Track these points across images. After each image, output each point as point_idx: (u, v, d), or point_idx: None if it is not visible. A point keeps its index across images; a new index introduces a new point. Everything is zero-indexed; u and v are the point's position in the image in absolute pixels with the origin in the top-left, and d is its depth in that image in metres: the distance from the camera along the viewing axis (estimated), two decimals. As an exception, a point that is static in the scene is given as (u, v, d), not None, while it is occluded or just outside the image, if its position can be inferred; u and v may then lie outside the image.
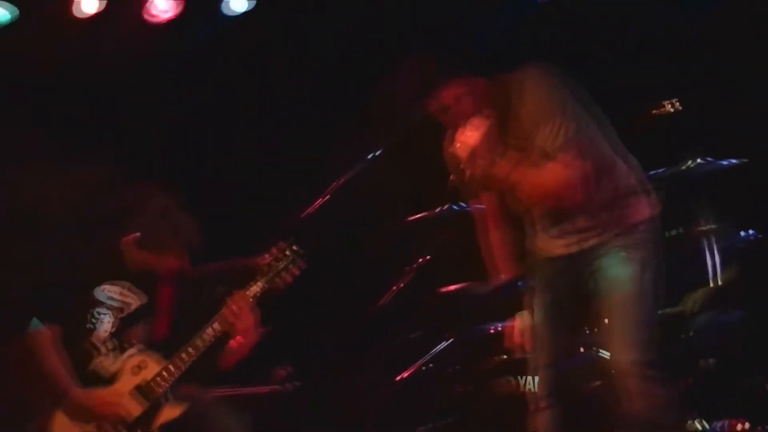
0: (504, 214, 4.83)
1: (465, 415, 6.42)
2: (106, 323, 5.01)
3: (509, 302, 6.68)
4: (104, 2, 7.13)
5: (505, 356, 6.24)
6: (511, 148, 4.51)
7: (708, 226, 6.10)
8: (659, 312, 4.76)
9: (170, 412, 4.94)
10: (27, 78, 7.21)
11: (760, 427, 5.79)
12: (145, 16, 7.29)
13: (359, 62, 7.57)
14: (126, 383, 4.93)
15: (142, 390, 4.93)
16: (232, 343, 5.07)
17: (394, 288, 6.67)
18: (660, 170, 5.95)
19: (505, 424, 6.00)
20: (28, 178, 7.08)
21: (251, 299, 5.03)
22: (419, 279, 6.66)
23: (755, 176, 6.38)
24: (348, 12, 7.45)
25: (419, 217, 6.72)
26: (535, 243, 4.73)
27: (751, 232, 6.20)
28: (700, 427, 5.72)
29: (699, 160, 6.06)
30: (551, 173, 4.42)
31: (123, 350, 4.99)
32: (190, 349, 4.94)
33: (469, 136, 4.49)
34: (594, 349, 5.67)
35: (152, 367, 4.95)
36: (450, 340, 6.56)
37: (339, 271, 7.11)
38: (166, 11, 7.27)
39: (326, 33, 7.54)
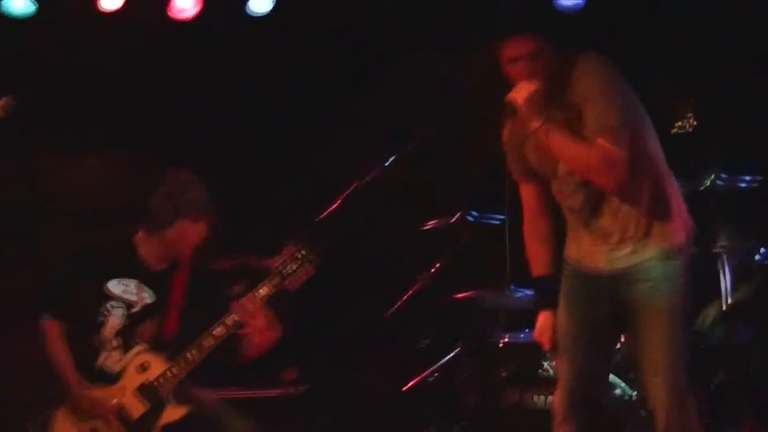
0: (545, 211, 4.80)
1: (472, 426, 6.41)
2: (117, 317, 5.01)
3: (521, 314, 6.72)
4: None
5: (512, 368, 6.23)
6: (557, 122, 4.50)
7: (723, 244, 6.06)
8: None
9: (173, 413, 4.94)
10: (47, 69, 7.23)
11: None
12: (169, 13, 7.30)
13: (381, 65, 7.57)
14: (130, 382, 4.93)
15: (146, 389, 4.92)
16: (244, 341, 5.06)
17: (406, 294, 6.66)
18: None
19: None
20: (45, 168, 7.11)
21: (261, 300, 5.00)
22: (432, 286, 6.64)
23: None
24: (367, 15, 7.45)
25: (433, 224, 6.72)
26: (575, 251, 4.71)
27: (765, 250, 6.15)
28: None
29: (715, 178, 6.02)
30: (589, 148, 4.39)
31: (129, 348, 4.99)
32: (195, 350, 4.93)
33: (524, 88, 4.47)
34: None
35: (157, 367, 4.94)
36: (459, 349, 6.55)
37: (351, 275, 7.08)
38: (188, 8, 7.27)
39: (346, 35, 7.53)
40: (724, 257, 6.04)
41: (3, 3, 7.00)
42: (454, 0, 7.27)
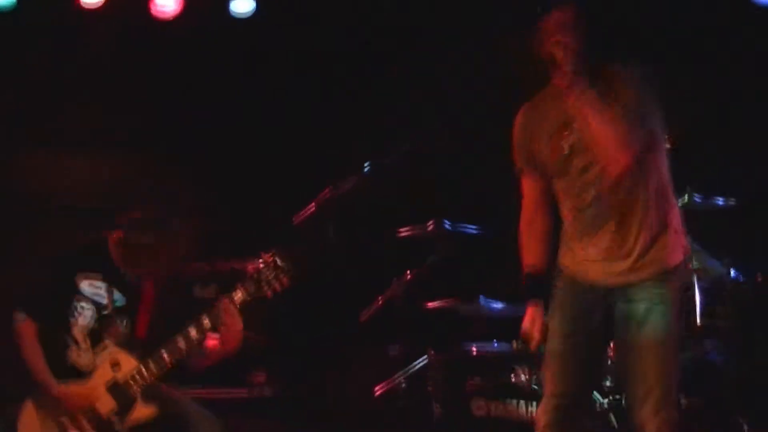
0: (545, 207, 4.81)
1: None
2: (87, 318, 5.00)
3: (494, 324, 6.76)
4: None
5: (482, 378, 6.26)
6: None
7: (695, 264, 6.09)
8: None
9: (143, 412, 4.93)
10: (26, 65, 7.22)
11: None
12: (151, 11, 7.30)
13: (362, 68, 7.60)
14: (101, 380, 4.93)
15: (116, 388, 4.92)
16: (211, 344, 5.06)
17: (379, 301, 6.68)
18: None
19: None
20: (21, 167, 7.10)
21: (236, 305, 5.00)
22: (404, 294, 6.66)
23: (746, 216, 6.39)
24: (349, 15, 7.47)
25: (408, 232, 6.73)
26: (570, 260, 4.72)
27: (737, 272, 6.20)
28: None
29: (690, 199, 6.07)
30: (616, 121, 4.42)
31: (100, 346, 4.98)
32: (169, 350, 4.93)
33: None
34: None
35: (128, 365, 4.94)
36: (428, 357, 6.57)
37: (324, 280, 7.10)
38: (169, 6, 7.27)
39: (329, 37, 7.55)
40: (695, 277, 6.07)
41: (-18, -3, 7.00)
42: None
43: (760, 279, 6.26)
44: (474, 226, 6.77)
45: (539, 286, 4.80)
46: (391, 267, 6.76)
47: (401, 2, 7.40)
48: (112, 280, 5.08)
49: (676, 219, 4.63)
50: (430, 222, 6.68)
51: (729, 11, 6.95)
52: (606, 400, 5.83)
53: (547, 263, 4.81)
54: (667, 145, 4.95)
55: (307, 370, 7.18)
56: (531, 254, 4.81)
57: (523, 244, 4.84)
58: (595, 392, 5.86)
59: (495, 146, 7.43)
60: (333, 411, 6.79)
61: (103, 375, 4.94)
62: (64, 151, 7.37)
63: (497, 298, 6.67)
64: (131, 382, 4.92)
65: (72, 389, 4.91)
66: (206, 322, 4.95)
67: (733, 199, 6.26)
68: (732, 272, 6.19)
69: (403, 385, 6.62)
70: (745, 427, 5.97)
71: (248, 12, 7.44)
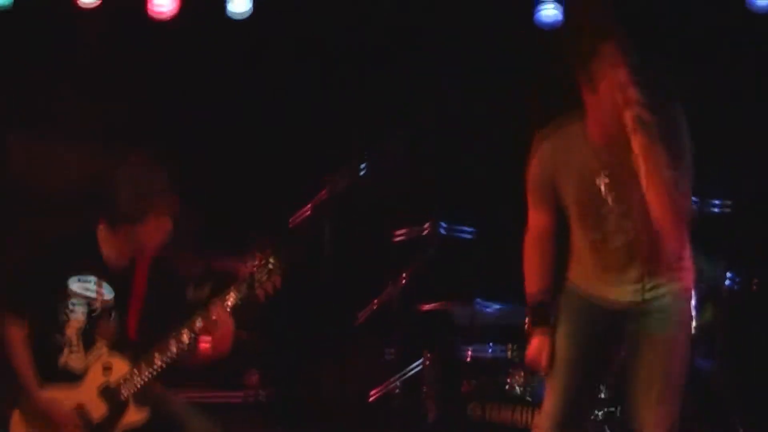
0: (551, 236, 4.79)
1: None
2: (79, 315, 4.96)
3: (487, 327, 6.75)
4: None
5: (477, 382, 6.25)
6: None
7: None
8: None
9: (135, 415, 4.89)
10: (23, 64, 7.22)
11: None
12: (148, 11, 7.30)
13: (361, 71, 7.60)
14: (93, 382, 4.88)
15: (108, 391, 4.87)
16: (203, 347, 5.03)
17: (374, 304, 6.68)
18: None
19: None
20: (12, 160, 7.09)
21: (228, 308, 4.98)
22: (400, 296, 6.66)
23: (740, 220, 6.38)
24: (346, 17, 7.47)
25: (403, 235, 6.73)
26: (582, 277, 4.72)
27: (732, 276, 6.18)
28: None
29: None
30: (673, 198, 4.39)
31: (91, 347, 4.93)
32: (161, 353, 4.90)
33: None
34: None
35: (120, 368, 4.90)
36: (423, 361, 6.57)
37: (320, 282, 7.09)
38: (166, 6, 7.27)
39: (325, 38, 7.55)
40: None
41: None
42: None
43: (755, 286, 6.26)
44: (470, 229, 6.77)
45: (545, 314, 4.78)
46: (387, 269, 6.75)
47: (399, 3, 7.40)
48: (101, 274, 5.02)
49: (688, 242, 4.65)
50: (426, 224, 6.67)
51: (725, 13, 6.95)
52: (601, 413, 5.82)
53: (552, 290, 4.80)
54: None
55: (302, 372, 7.17)
56: (536, 282, 4.78)
57: (528, 272, 4.81)
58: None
59: (492, 149, 7.49)
60: (328, 413, 6.78)
61: (94, 378, 4.90)
62: (60, 149, 7.35)
63: (493, 301, 6.66)
64: (123, 385, 4.89)
65: (61, 393, 4.87)
66: (198, 325, 4.92)
67: (728, 203, 6.25)
68: (728, 277, 6.17)
69: (399, 387, 6.62)
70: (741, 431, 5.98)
71: (245, 13, 7.43)
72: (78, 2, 7.19)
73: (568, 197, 4.68)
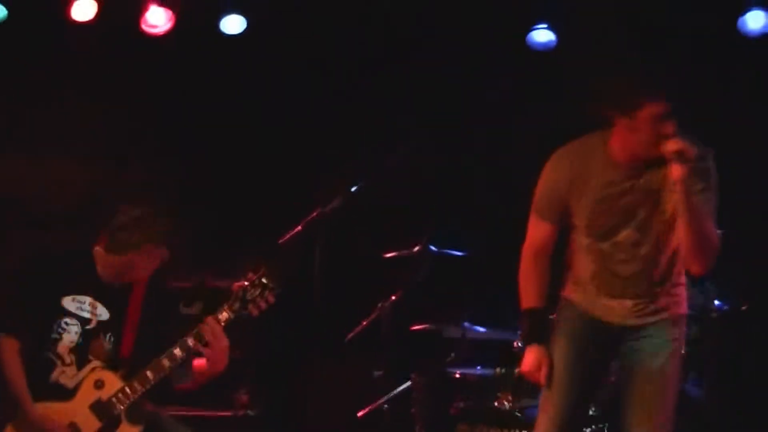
0: (550, 252, 4.83)
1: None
2: (72, 334, 4.96)
3: (478, 348, 6.76)
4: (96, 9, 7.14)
5: (464, 401, 6.26)
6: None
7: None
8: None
9: (128, 431, 4.91)
10: (16, 77, 7.22)
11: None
12: (141, 28, 7.31)
13: (355, 89, 7.62)
14: (85, 398, 4.89)
15: (101, 407, 4.88)
16: (198, 364, 5.03)
17: (364, 322, 6.67)
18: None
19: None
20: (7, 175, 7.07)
21: (222, 324, 4.98)
22: (389, 316, 6.65)
23: (729, 245, 6.41)
24: (339, 36, 7.49)
25: (394, 254, 6.74)
26: (580, 297, 4.79)
27: (722, 301, 6.20)
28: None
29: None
30: (712, 236, 4.53)
31: (85, 364, 4.93)
32: (154, 369, 4.90)
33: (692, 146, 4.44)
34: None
35: (112, 384, 4.90)
36: (411, 381, 6.57)
37: (310, 300, 7.09)
38: (160, 25, 7.28)
39: (318, 57, 7.57)
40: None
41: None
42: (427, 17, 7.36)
43: (745, 309, 6.28)
44: (460, 251, 6.79)
45: (542, 328, 4.82)
46: (377, 290, 6.76)
47: (393, 21, 7.43)
48: (97, 294, 5.04)
49: (683, 271, 4.76)
50: (417, 245, 6.68)
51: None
52: (589, 429, 5.83)
53: (546, 305, 4.85)
54: None
55: (290, 391, 7.16)
56: (533, 297, 4.81)
57: (525, 286, 4.84)
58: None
59: (484, 170, 7.52)
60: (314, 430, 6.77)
61: (86, 394, 4.90)
62: (51, 162, 7.34)
63: (481, 323, 6.67)
64: (115, 402, 4.88)
65: (53, 409, 4.86)
66: (191, 341, 4.92)
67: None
68: (716, 301, 6.19)
69: (386, 407, 6.62)
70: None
71: (239, 31, 7.44)
72: (72, 17, 7.20)
73: (581, 216, 4.72)
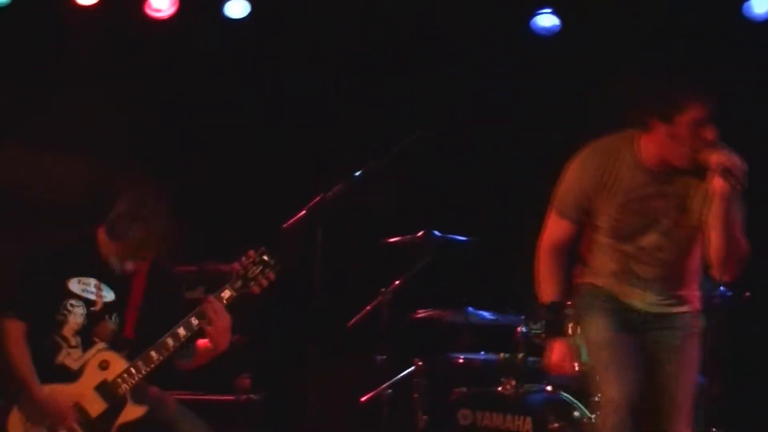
0: (568, 247, 4.83)
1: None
2: (77, 316, 4.96)
3: (481, 334, 6.76)
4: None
5: (467, 388, 6.26)
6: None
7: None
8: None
9: (131, 413, 4.90)
10: (19, 63, 7.21)
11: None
12: (146, 12, 7.32)
13: (359, 73, 7.61)
14: (90, 380, 4.89)
15: (105, 388, 4.88)
16: (201, 344, 5.04)
17: (367, 308, 6.67)
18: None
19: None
20: (9, 164, 7.07)
21: (224, 302, 4.98)
22: (392, 301, 6.65)
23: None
24: (343, 20, 7.48)
25: (397, 240, 6.73)
26: (607, 283, 4.80)
27: (723, 290, 6.20)
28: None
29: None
30: (744, 246, 4.56)
31: (90, 345, 4.94)
32: (158, 349, 4.91)
33: (733, 156, 4.44)
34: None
35: (117, 365, 4.91)
36: (414, 366, 6.56)
37: (312, 285, 7.09)
38: (164, 9, 7.29)
39: (323, 41, 7.57)
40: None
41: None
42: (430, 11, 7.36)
43: (746, 299, 6.28)
44: (463, 236, 6.78)
45: (563, 322, 4.85)
46: (380, 276, 6.75)
47: (397, 8, 7.42)
48: (101, 276, 5.05)
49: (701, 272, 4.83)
50: (420, 231, 6.68)
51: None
52: (594, 416, 5.82)
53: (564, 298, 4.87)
54: None
55: (293, 377, 7.15)
56: (554, 291, 4.81)
57: (545, 280, 4.84)
58: (582, 407, 5.86)
59: (488, 157, 7.51)
60: (318, 418, 6.75)
61: (91, 375, 4.90)
62: (54, 150, 7.33)
63: (485, 309, 6.67)
64: (120, 382, 4.89)
65: (59, 390, 4.87)
66: (194, 321, 4.93)
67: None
68: (719, 292, 6.18)
69: (389, 393, 6.61)
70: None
71: (242, 15, 7.45)
72: (76, 1, 7.19)
73: (605, 217, 4.71)
